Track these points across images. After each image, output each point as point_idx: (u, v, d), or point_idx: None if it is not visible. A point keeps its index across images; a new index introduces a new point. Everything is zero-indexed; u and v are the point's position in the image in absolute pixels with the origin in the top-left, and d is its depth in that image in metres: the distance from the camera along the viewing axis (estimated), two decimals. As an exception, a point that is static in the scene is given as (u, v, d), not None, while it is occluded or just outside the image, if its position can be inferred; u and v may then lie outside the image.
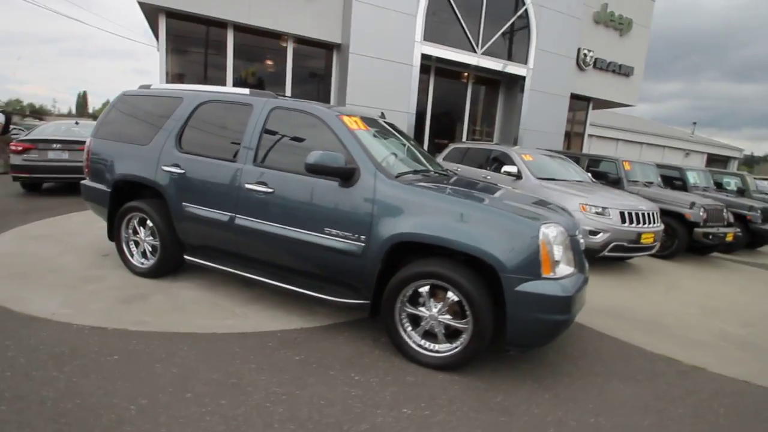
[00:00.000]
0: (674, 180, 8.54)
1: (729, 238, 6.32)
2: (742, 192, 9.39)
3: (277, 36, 8.57)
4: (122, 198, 3.66)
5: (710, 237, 6.16)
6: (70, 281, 3.37)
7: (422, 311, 2.57)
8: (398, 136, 3.61)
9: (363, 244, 2.65)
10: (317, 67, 9.36)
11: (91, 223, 5.27)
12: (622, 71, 12.63)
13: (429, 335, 2.60)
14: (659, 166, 8.53)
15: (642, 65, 13.08)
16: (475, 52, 9.72)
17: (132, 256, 3.66)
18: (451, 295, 2.46)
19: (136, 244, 3.65)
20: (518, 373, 2.57)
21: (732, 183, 9.75)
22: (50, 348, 2.37)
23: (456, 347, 2.49)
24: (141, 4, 7.15)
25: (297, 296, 3.31)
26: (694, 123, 32.43)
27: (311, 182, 2.82)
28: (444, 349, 2.54)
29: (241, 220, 3.03)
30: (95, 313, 2.86)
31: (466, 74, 10.72)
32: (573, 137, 13.30)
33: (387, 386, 2.31)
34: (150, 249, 3.57)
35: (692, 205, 6.32)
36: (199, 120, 3.37)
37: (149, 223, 3.48)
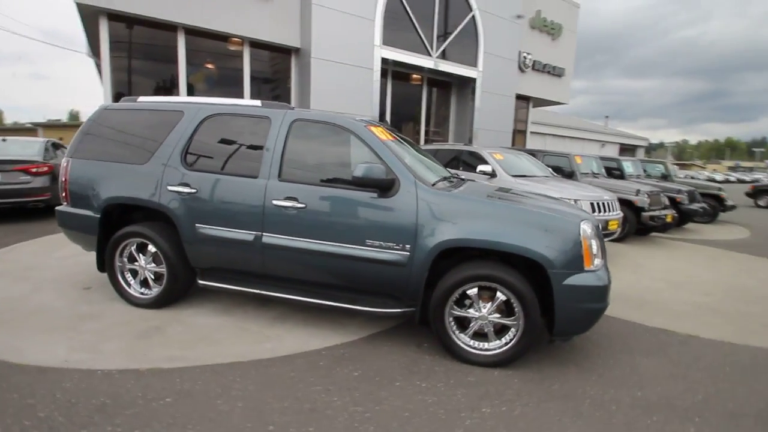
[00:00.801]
0: (613, 170, 9.54)
1: (669, 219, 7.23)
2: (665, 177, 10.75)
3: (233, 40, 8.17)
4: (112, 224, 3.32)
5: (655, 219, 7.00)
6: (63, 322, 2.98)
7: (471, 313, 2.66)
8: (410, 143, 3.67)
9: (408, 253, 2.68)
10: (275, 71, 9.07)
11: (47, 253, 4.67)
12: (556, 72, 13.79)
13: (477, 335, 2.70)
14: (601, 158, 9.48)
15: (572, 66, 14.39)
16: (430, 55, 10.05)
17: (129, 286, 3.32)
18: (500, 295, 2.58)
19: (134, 273, 3.32)
20: (558, 361, 2.77)
21: (656, 170, 11.10)
22: (86, 400, 2.11)
23: (507, 344, 2.62)
24: (79, 6, 6.42)
25: (321, 312, 3.28)
26: (606, 117, 36.30)
27: (347, 195, 2.79)
28: (494, 347, 2.66)
29: (269, 238, 2.90)
30: (115, 355, 2.57)
31: (420, 77, 11.02)
32: (516, 135, 14.24)
33: (455, 389, 2.37)
34: (152, 277, 3.27)
35: (638, 192, 7.12)
36: (206, 135, 3.15)
37: (151, 248, 3.19)
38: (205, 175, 3.05)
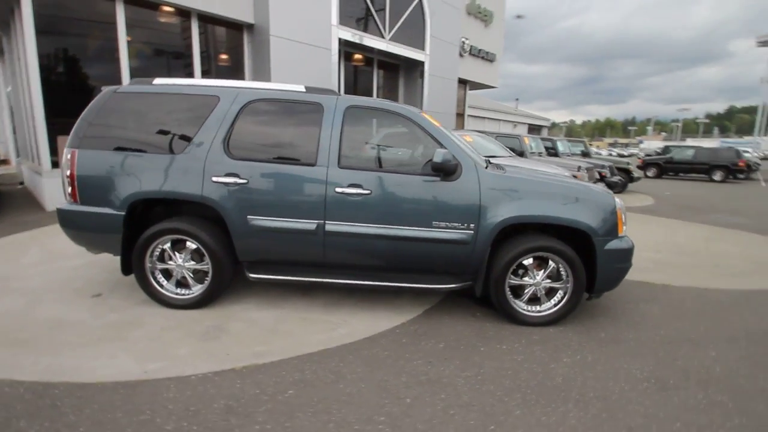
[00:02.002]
0: (549, 149, 10.69)
1: (603, 191, 8.41)
2: (585, 155, 12.31)
3: (179, 12, 7.37)
4: (134, 221, 3.01)
5: (594, 191, 8.11)
6: (102, 333, 2.69)
7: (526, 280, 3.01)
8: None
9: (472, 232, 2.91)
10: (226, 48, 8.41)
11: (10, 260, 4.01)
12: (488, 57, 14.73)
13: (531, 300, 3.06)
14: (542, 139, 10.54)
15: (501, 52, 15.46)
16: (383, 37, 10.09)
17: (161, 287, 3.07)
18: (551, 263, 2.96)
19: (167, 273, 3.07)
20: (590, 315, 3.25)
21: (578, 148, 12.65)
22: (206, 406, 2.02)
23: (557, 304, 3.02)
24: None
25: (366, 295, 3.39)
26: (517, 99, 39.58)
27: (412, 180, 2.91)
28: (547, 308, 3.04)
29: (333, 226, 2.90)
30: (194, 358, 2.43)
31: (372, 59, 11.02)
32: (456, 117, 15.02)
33: (531, 347, 2.71)
34: (191, 275, 3.06)
35: (579, 168, 8.15)
36: (248, 121, 2.99)
37: (190, 245, 2.98)
38: (256, 164, 2.91)
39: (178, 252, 3.02)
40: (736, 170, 16.69)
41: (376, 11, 9.78)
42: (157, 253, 3.02)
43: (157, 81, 3.11)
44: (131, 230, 3.00)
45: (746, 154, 18.64)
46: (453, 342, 2.74)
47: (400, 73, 11.93)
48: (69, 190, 2.98)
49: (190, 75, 7.65)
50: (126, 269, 3.04)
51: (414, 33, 10.97)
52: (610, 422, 1.99)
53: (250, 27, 8.16)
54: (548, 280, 3.01)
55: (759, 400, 2.21)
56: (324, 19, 8.65)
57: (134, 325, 2.81)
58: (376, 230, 2.91)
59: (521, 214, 2.89)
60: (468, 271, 3.04)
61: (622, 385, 2.32)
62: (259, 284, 3.44)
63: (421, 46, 11.15)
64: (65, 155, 2.97)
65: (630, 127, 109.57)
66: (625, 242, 3.01)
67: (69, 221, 3.03)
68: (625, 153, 47.56)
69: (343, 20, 9.04)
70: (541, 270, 3.00)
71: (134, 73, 6.85)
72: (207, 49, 7.97)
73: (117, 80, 6.64)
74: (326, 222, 2.90)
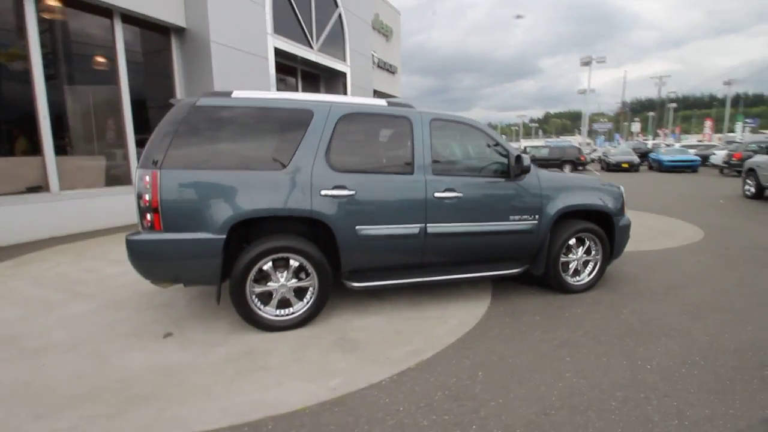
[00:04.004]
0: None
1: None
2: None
3: (100, 10, 6.31)
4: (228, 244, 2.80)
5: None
6: (233, 369, 2.45)
7: (571, 257, 3.74)
8: None
9: (536, 222, 3.51)
10: (151, 54, 7.44)
11: (19, 303, 3.13)
12: (392, 69, 15.82)
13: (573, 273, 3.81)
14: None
15: (400, 64, 16.72)
16: (312, 48, 10.12)
17: (260, 310, 2.89)
18: (588, 241, 3.76)
19: (265, 296, 2.91)
20: (605, 279, 4.16)
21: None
22: (428, 398, 2.15)
23: (592, 273, 3.83)
24: None
25: (431, 289, 3.69)
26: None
27: (490, 181, 3.37)
28: (584, 277, 3.82)
29: (433, 228, 3.17)
30: (364, 368, 2.46)
31: (296, 69, 10.90)
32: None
33: (593, 307, 3.43)
34: (292, 294, 2.96)
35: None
36: (344, 135, 3.04)
37: (293, 263, 2.90)
38: (360, 176, 2.99)
39: (278, 271, 2.90)
40: (579, 163, 21.23)
41: (305, 22, 9.77)
42: (253, 276, 2.84)
43: (237, 94, 2.92)
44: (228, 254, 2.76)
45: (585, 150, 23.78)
46: (541, 317, 3.26)
47: (321, 84, 12.03)
48: (149, 217, 2.60)
49: (114, 81, 6.59)
50: (220, 298, 2.78)
51: (336, 45, 11.24)
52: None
53: (180, 31, 7.40)
54: (585, 255, 3.80)
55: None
56: (260, 27, 8.34)
57: (259, 353, 2.63)
58: (466, 228, 3.28)
59: (570, 204, 3.60)
60: (529, 256, 3.63)
61: (640, 316, 3.19)
62: (345, 292, 3.45)
63: (342, 58, 11.49)
64: (141, 178, 2.58)
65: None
66: (626, 219, 3.99)
67: (149, 253, 2.63)
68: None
69: (277, 29, 8.84)
70: (580, 247, 3.76)
71: (50, 78, 5.65)
72: (132, 54, 6.95)
73: (27, 89, 5.40)
74: (427, 225, 3.16)
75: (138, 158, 6.93)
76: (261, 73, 8.46)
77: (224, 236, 2.68)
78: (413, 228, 3.12)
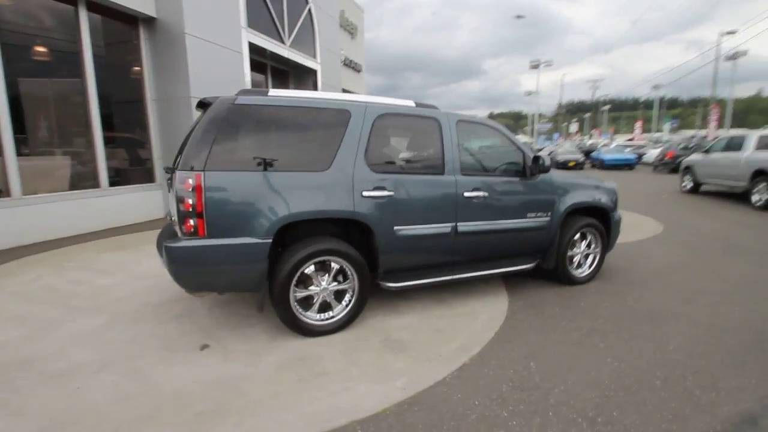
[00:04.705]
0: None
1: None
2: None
3: (61, -6, 5.72)
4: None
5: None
6: (291, 378, 2.40)
7: (575, 251, 4.02)
8: None
9: (548, 219, 3.74)
10: (116, 44, 6.87)
11: (14, 322, 2.80)
12: (357, 67, 15.76)
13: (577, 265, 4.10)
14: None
15: (364, 62, 16.69)
16: (284, 43, 9.85)
17: (303, 315, 2.84)
18: (589, 235, 4.06)
19: (306, 300, 2.85)
20: (603, 271, 4.51)
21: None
22: (495, 390, 2.25)
23: (592, 265, 4.14)
24: None
25: (449, 286, 3.80)
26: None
27: (510, 180, 3.54)
28: (586, 269, 4.12)
29: (463, 226, 3.28)
30: (422, 366, 2.50)
31: (266, 65, 10.55)
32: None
33: (600, 295, 3.72)
34: (332, 297, 2.93)
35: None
36: (379, 135, 3.05)
37: (334, 265, 2.88)
38: (397, 177, 3.02)
39: (321, 274, 2.86)
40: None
41: (276, 16, 9.48)
42: (295, 280, 2.78)
43: (273, 92, 2.82)
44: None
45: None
46: (558, 306, 3.50)
47: (290, 80, 11.73)
48: (191, 222, 2.45)
49: (79, 75, 6.02)
50: (262, 306, 2.69)
51: (307, 41, 11.02)
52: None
53: (149, 21, 6.90)
54: (586, 249, 4.10)
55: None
56: (234, 20, 7.98)
57: (311, 359, 2.58)
58: (491, 226, 3.43)
59: (577, 201, 3.87)
60: (541, 251, 3.86)
61: (639, 300, 3.56)
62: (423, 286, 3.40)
63: (313, 55, 11.28)
64: (183, 181, 2.43)
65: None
66: (618, 215, 4.36)
67: (193, 260, 2.48)
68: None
69: (251, 23, 8.50)
70: (582, 241, 4.06)
71: (10, 72, 5.04)
72: (96, 47, 6.37)
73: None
74: (458, 224, 3.26)
75: (106, 158, 6.39)
76: (235, 69, 8.11)
77: (270, 240, 2.60)
78: (446, 227, 3.21)
